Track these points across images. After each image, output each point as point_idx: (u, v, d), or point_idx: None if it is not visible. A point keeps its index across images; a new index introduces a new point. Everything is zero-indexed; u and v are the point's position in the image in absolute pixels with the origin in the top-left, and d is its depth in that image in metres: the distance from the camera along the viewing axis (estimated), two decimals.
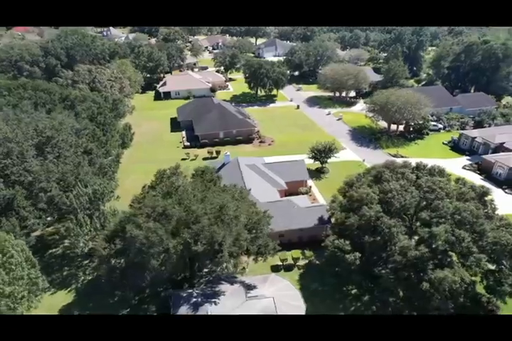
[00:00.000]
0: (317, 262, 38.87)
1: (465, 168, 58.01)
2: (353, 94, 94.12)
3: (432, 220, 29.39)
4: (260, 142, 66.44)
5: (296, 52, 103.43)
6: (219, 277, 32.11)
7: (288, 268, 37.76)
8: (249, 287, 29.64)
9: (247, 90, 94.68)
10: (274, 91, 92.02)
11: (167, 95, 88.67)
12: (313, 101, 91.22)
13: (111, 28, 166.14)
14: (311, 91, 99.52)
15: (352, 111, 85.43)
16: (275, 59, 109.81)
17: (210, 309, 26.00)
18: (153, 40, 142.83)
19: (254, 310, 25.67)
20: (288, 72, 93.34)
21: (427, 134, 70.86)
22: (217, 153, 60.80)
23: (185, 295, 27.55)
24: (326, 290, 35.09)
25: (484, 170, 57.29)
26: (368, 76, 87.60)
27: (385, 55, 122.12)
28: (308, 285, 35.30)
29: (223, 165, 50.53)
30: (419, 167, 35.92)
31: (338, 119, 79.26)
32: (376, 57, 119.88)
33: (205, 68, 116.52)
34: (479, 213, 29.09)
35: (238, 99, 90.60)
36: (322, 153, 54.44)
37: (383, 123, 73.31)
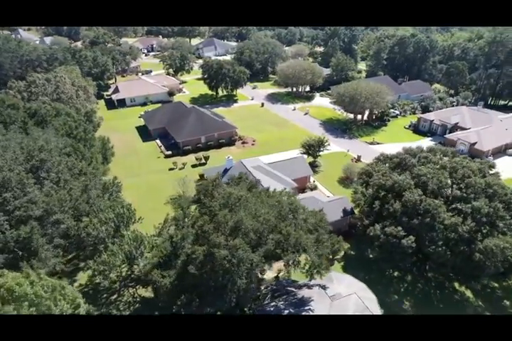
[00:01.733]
0: (352, 252, 40.03)
1: None
2: (307, 88, 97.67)
3: (469, 196, 32.29)
4: (243, 143, 65.24)
5: (245, 51, 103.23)
6: (281, 283, 31.02)
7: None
8: (323, 288, 29.22)
9: (204, 92, 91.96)
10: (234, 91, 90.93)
11: (121, 103, 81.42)
12: (274, 98, 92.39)
13: (20, 30, 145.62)
14: (267, 88, 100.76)
15: (313, 104, 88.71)
16: (218, 58, 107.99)
17: None
18: (78, 44, 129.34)
19: (349, 310, 25.46)
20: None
21: (389, 120, 77.19)
22: (206, 158, 58.11)
23: (272, 309, 26.03)
24: (373, 278, 36.37)
25: None
26: (322, 71, 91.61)
27: (321, 49, 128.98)
28: (356, 276, 36.03)
29: (226, 170, 48.62)
30: (432, 150, 39.03)
31: (305, 114, 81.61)
32: (315, 52, 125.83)
33: (150, 72, 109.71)
34: (504, 185, 32.86)
35: (198, 102, 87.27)
36: (315, 147, 55.70)
37: (348, 114, 77.64)
